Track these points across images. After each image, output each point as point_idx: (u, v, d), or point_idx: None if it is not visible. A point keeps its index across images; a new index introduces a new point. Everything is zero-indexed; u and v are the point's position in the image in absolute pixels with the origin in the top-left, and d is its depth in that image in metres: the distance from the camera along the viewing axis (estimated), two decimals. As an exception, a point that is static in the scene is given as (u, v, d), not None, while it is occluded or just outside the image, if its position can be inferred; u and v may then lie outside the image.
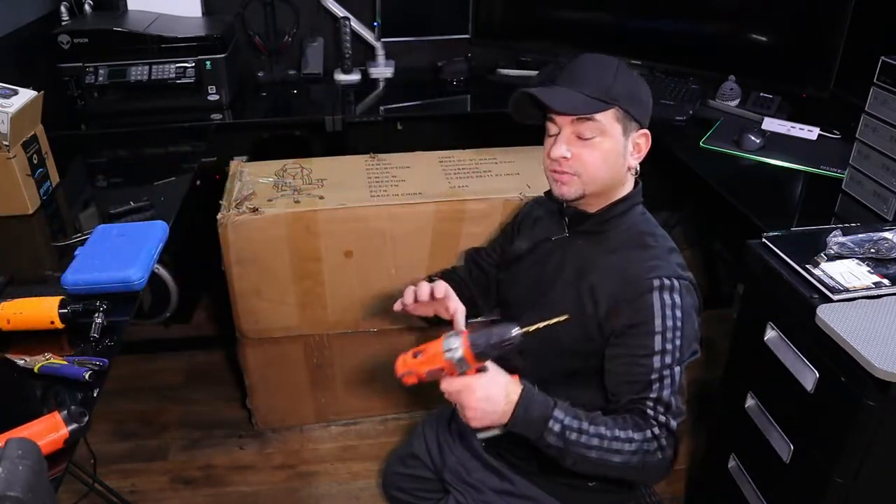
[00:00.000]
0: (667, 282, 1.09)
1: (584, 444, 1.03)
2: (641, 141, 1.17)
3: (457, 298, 1.22)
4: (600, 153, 1.12)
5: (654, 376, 1.06)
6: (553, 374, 1.18)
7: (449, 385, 1.02)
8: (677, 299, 1.09)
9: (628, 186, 1.20)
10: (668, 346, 1.07)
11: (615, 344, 1.11)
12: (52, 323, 1.10)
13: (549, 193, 1.23)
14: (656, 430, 1.05)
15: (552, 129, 1.15)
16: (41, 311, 1.10)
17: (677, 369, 1.09)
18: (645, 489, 1.50)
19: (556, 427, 1.02)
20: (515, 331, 0.96)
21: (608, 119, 1.12)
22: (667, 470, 1.26)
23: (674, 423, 1.07)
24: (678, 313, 1.09)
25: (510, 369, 1.06)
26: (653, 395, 1.06)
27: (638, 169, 1.19)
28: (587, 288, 1.15)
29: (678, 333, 1.08)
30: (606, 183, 1.16)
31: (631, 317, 1.09)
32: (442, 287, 1.22)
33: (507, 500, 1.29)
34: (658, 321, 1.08)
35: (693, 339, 1.13)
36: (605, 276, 1.14)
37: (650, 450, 1.05)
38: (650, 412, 1.06)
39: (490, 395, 1.01)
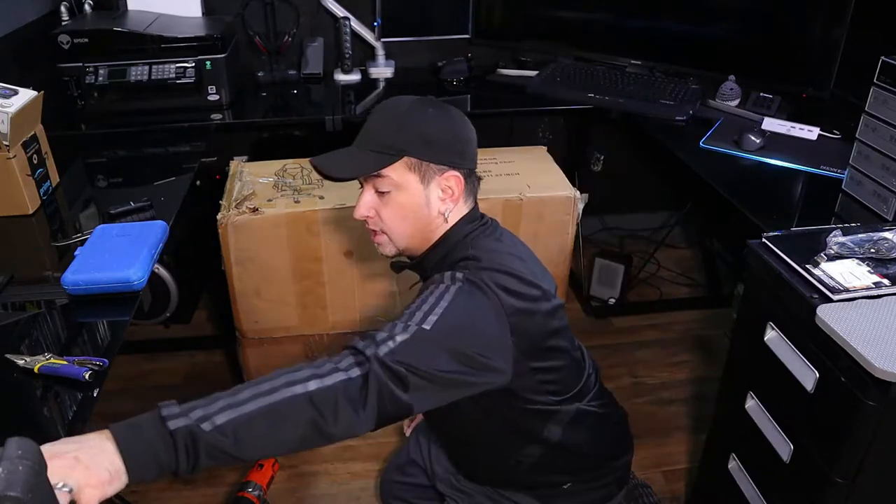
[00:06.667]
0: (448, 274, 1.01)
1: (224, 407, 0.87)
2: (451, 183, 1.09)
3: None
4: (396, 208, 1.08)
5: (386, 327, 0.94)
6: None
7: None
8: (452, 289, 0.98)
9: (441, 230, 1.11)
10: (417, 314, 0.95)
11: None
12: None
13: None
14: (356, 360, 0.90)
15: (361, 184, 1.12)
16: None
17: (413, 331, 0.93)
18: (643, 488, 1.50)
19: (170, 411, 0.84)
20: None
21: (398, 172, 1.06)
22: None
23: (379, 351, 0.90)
24: (447, 296, 0.97)
25: None
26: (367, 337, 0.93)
27: (447, 215, 1.10)
28: None
29: (437, 310, 0.95)
30: (413, 235, 1.11)
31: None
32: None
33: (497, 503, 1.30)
34: (419, 299, 0.99)
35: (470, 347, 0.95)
36: None
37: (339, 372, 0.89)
38: (357, 345, 0.92)
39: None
